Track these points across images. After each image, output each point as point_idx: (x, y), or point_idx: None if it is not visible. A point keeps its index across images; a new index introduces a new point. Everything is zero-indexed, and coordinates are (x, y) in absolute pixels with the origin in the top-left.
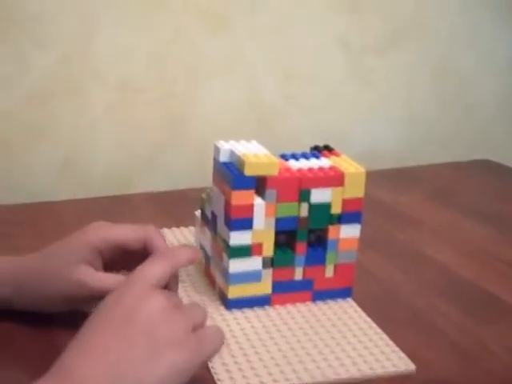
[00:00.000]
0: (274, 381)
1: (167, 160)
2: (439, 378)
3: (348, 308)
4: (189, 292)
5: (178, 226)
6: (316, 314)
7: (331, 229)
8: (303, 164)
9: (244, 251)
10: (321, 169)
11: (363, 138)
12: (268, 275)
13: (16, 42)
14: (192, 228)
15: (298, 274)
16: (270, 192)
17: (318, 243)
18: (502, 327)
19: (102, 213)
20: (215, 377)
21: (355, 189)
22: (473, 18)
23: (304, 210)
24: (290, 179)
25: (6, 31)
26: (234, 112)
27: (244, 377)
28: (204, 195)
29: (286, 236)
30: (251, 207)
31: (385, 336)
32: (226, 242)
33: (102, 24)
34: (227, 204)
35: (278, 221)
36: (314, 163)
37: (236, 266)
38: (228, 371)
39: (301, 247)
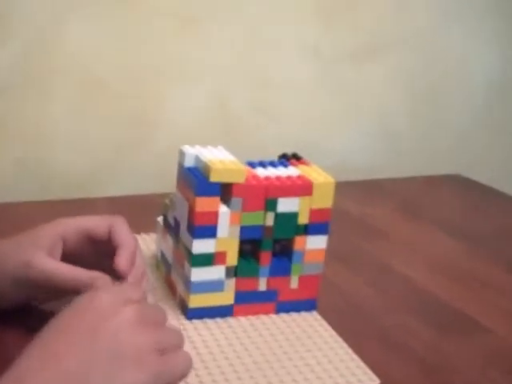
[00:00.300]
0: None
1: (131, 163)
2: None
3: (313, 321)
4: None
5: (139, 233)
6: (280, 327)
7: (297, 239)
8: (271, 172)
9: (207, 260)
10: (288, 177)
11: (334, 148)
12: (231, 285)
13: None
14: (153, 235)
15: (262, 285)
16: (236, 200)
17: (284, 253)
18: (470, 345)
19: (60, 216)
20: None
21: (323, 199)
22: (448, 32)
23: (270, 219)
24: (256, 187)
25: None
26: (201, 117)
27: None
28: (167, 201)
29: (250, 245)
30: (215, 214)
31: (350, 350)
32: (188, 250)
33: (69, 18)
34: (191, 211)
35: (242, 229)
36: (281, 172)
37: (198, 274)
38: None
39: (265, 257)
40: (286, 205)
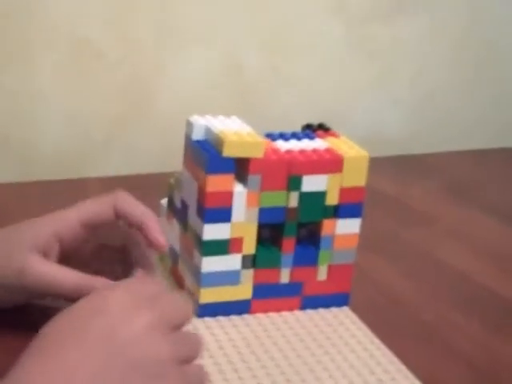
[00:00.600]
0: None
1: (128, 138)
2: None
3: (344, 318)
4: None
5: None
6: (306, 325)
7: (326, 223)
8: (294, 145)
9: (220, 248)
10: (315, 151)
11: (364, 119)
12: (248, 277)
13: None
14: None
15: (285, 277)
16: (253, 177)
17: (310, 240)
18: None
19: (49, 199)
20: None
21: (356, 176)
22: None
23: (293, 200)
24: (277, 163)
25: None
26: (210, 84)
27: None
28: (172, 180)
29: (271, 230)
30: (230, 195)
31: (388, 352)
32: (198, 237)
33: None
34: (201, 191)
35: (261, 212)
36: (306, 144)
37: (210, 264)
38: None
39: (288, 244)
40: (312, 183)
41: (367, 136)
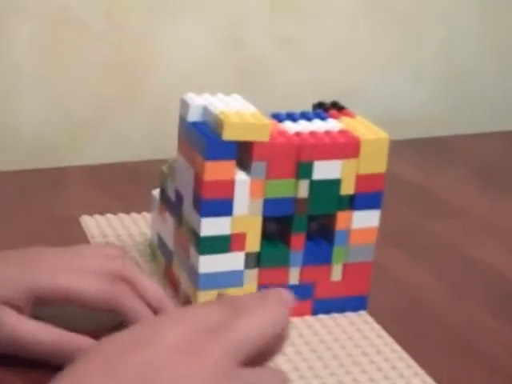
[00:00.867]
0: None
1: (116, 121)
2: None
3: (362, 324)
4: None
5: (127, 212)
6: (318, 332)
7: (340, 215)
8: (303, 127)
9: (220, 245)
10: (327, 133)
11: (383, 97)
12: (253, 278)
13: None
14: (147, 214)
15: (294, 277)
16: (258, 164)
17: (322, 235)
18: None
19: (25, 192)
20: None
21: (375, 162)
22: None
23: (303, 190)
24: (284, 147)
25: None
26: (207, 58)
27: None
28: (165, 168)
29: (277, 224)
30: (231, 184)
31: (412, 362)
32: (194, 233)
33: None
34: (198, 180)
35: (267, 203)
36: (318, 126)
37: (209, 264)
38: None
39: (298, 240)
40: (324, 170)
41: (386, 116)
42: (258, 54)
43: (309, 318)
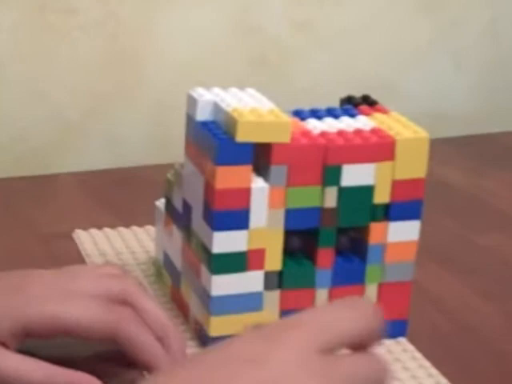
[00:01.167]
0: None
1: (110, 121)
2: None
3: (401, 353)
4: None
5: (128, 226)
6: None
7: (374, 228)
8: (330, 125)
9: (235, 263)
10: (358, 132)
11: (421, 89)
12: (273, 301)
13: None
14: (150, 228)
15: (321, 300)
16: (278, 169)
17: (353, 250)
18: None
19: (11, 203)
20: None
21: (413, 165)
22: None
23: (331, 198)
24: (308, 149)
25: None
26: (216, 46)
27: None
28: (170, 175)
29: (301, 239)
30: (247, 193)
31: None
32: (206, 249)
33: None
34: (209, 188)
35: (289, 214)
36: (346, 124)
37: (223, 286)
38: None
39: (325, 256)
40: (354, 175)
41: (424, 111)
42: (276, 40)
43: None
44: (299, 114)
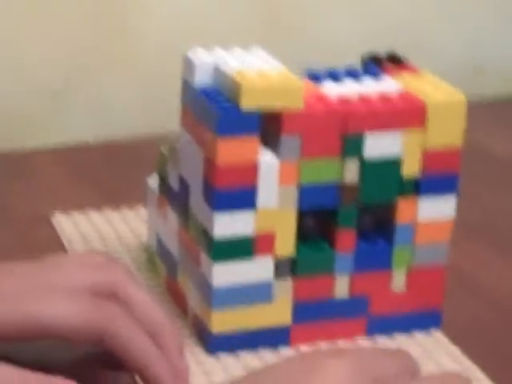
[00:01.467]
0: None
1: (94, 88)
2: None
3: (435, 347)
4: None
5: (115, 207)
6: None
7: (402, 205)
8: (350, 88)
9: (240, 249)
10: (382, 96)
11: (456, 43)
12: (285, 291)
13: None
14: (141, 209)
15: (342, 288)
16: (289, 140)
17: (378, 231)
18: None
19: None
20: None
21: (447, 132)
22: None
23: (351, 172)
24: (325, 116)
25: None
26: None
27: None
28: (164, 150)
29: (318, 219)
30: (253, 168)
31: None
32: (206, 233)
33: None
34: (209, 163)
35: (303, 192)
36: (369, 87)
37: (226, 275)
38: None
39: (346, 238)
40: (379, 145)
41: (460, 69)
42: None
43: (363, 341)
44: (314, 76)
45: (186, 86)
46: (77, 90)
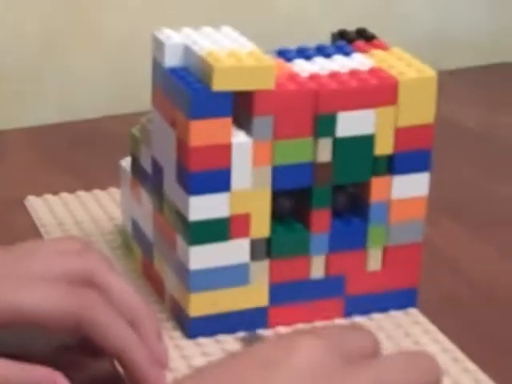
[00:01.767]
0: None
1: (62, 67)
2: None
3: (412, 326)
4: None
5: (88, 189)
6: None
7: (376, 183)
8: (321, 66)
9: (216, 231)
10: (354, 73)
11: (421, 11)
12: (262, 273)
13: None
14: (115, 190)
15: (318, 268)
16: (262, 120)
17: (353, 210)
18: None
19: None
20: None
21: (419, 109)
22: None
23: (325, 152)
24: (297, 95)
25: None
26: None
27: None
28: (136, 131)
29: (292, 199)
30: (227, 149)
31: (483, 376)
32: (181, 216)
33: None
34: (182, 145)
35: (276, 172)
36: (340, 64)
37: (202, 258)
38: None
39: (320, 218)
40: (351, 123)
41: (428, 39)
42: None
43: (340, 322)
44: (284, 54)
45: (157, 66)
46: (44, 69)
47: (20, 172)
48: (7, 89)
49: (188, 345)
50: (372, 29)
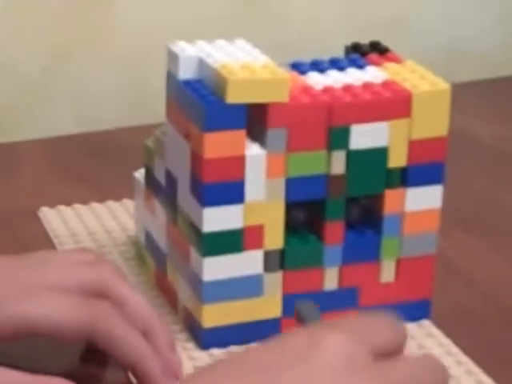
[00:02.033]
0: None
1: (74, 78)
2: None
3: (425, 338)
4: None
5: (102, 200)
6: None
7: (389, 195)
8: (334, 79)
9: (230, 243)
10: (367, 86)
11: (439, 29)
12: (275, 284)
13: None
14: (128, 201)
15: (331, 280)
16: (276, 133)
17: (366, 222)
18: None
19: None
20: None
21: (432, 122)
22: None
23: (338, 164)
24: (310, 108)
25: None
26: None
27: None
28: (150, 143)
29: (306, 211)
30: (241, 162)
31: None
32: (195, 227)
33: None
34: (196, 157)
35: (290, 184)
36: (354, 77)
37: (216, 269)
38: None
39: (334, 230)
40: (365, 136)
41: (442, 51)
42: None
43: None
44: (298, 67)
45: (171, 78)
46: (58, 80)
47: (33, 183)
48: (21, 100)
49: (201, 356)
50: (385, 42)
